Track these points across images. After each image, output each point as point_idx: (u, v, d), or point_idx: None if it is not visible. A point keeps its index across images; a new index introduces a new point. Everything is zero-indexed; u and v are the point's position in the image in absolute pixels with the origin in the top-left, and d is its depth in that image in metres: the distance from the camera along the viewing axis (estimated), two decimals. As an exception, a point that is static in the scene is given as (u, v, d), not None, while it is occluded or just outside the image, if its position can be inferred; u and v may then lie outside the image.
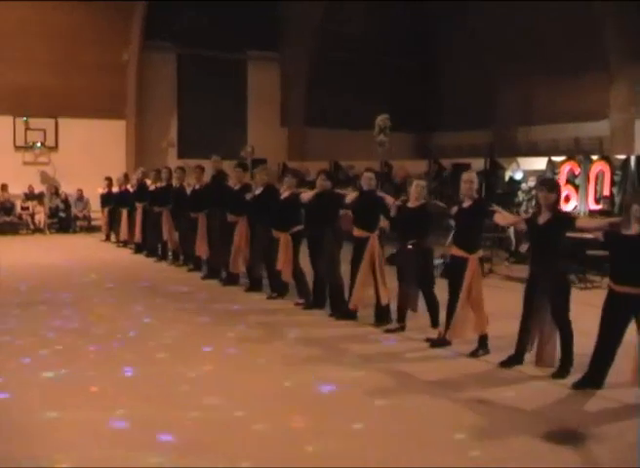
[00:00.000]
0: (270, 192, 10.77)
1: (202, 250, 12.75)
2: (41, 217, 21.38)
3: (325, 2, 25.48)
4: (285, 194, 10.37)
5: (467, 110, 25.31)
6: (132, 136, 23.67)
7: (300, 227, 10.25)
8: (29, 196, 21.74)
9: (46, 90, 21.99)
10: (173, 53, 24.78)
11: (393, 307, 8.79)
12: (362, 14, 26.29)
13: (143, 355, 7.55)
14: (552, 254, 6.88)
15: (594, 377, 6.42)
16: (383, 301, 8.82)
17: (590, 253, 12.14)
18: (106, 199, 18.62)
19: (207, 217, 12.65)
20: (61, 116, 22.71)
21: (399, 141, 22.86)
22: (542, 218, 6.93)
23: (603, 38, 20.97)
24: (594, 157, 16.14)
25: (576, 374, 6.67)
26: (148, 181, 15.67)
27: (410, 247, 8.31)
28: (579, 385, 6.45)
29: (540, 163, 17.20)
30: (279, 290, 10.74)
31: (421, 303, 8.53)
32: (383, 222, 9.28)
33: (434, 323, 8.33)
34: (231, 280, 11.88)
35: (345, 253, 9.58)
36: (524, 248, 15.11)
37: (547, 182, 7.74)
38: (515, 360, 7.14)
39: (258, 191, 11.03)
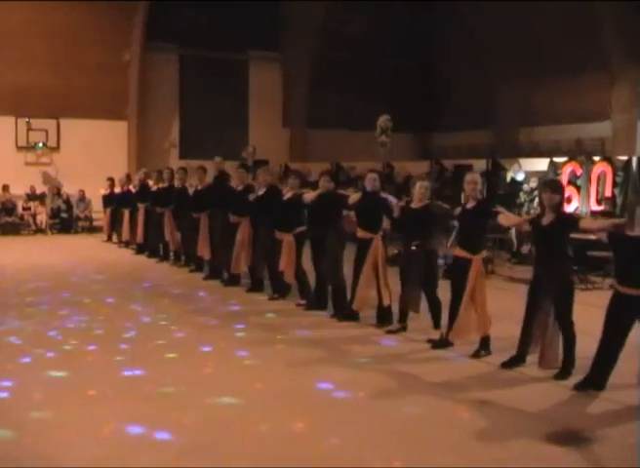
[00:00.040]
0: (273, 193, 10.76)
1: (204, 250, 12.75)
2: (43, 218, 21.38)
3: (327, 2, 25.47)
4: (288, 195, 10.36)
5: (469, 111, 25.30)
6: (133, 136, 23.70)
7: (302, 228, 10.23)
8: (31, 196, 21.76)
9: (48, 90, 22.02)
10: (175, 53, 24.81)
11: (395, 308, 8.77)
12: (364, 14, 26.27)
13: (144, 355, 7.54)
14: (556, 256, 6.86)
15: (596, 379, 6.41)
16: (385, 302, 8.81)
17: (592, 253, 12.17)
18: (109, 199, 18.63)
19: (209, 218, 12.65)
20: (63, 116, 22.74)
21: (400, 142, 22.91)
22: (546, 219, 6.92)
23: (604, 38, 20.94)
24: (596, 158, 16.11)
25: (577, 376, 6.67)
26: (150, 182, 15.68)
27: (414, 248, 8.29)
28: (580, 386, 6.44)
29: (541, 164, 17.17)
30: (281, 290, 10.74)
31: (423, 304, 8.52)
32: (385, 223, 9.27)
33: (436, 324, 8.31)
34: (233, 280, 11.88)
35: (347, 254, 9.58)
36: (526, 249, 15.12)
37: (551, 183, 7.73)
38: (517, 360, 7.13)
39: (260, 192, 11.02)
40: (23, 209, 21.49)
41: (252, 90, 26.18)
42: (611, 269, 12.49)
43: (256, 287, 11.32)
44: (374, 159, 19.34)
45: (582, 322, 6.92)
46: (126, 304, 10.35)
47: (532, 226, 7.21)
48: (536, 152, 21.96)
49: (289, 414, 5.80)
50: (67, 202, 22.08)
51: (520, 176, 17.50)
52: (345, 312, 9.22)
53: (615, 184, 15.11)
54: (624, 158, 15.49)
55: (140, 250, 16.13)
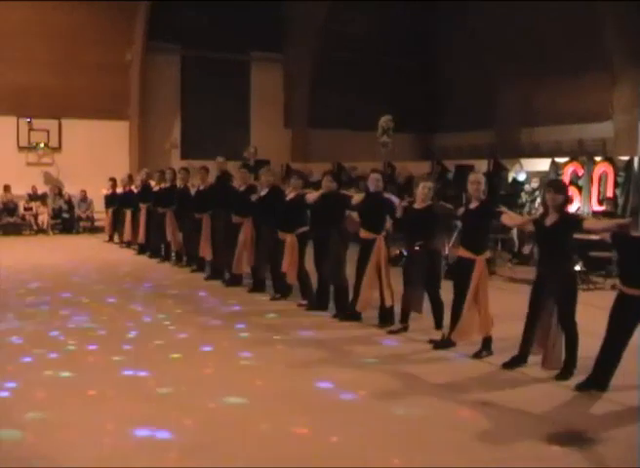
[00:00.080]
0: (276, 193, 10.75)
1: (206, 251, 12.74)
2: (44, 218, 21.40)
3: (328, 2, 25.48)
4: (290, 195, 10.35)
5: (470, 111, 25.30)
6: (135, 136, 23.72)
7: (305, 228, 10.21)
8: (33, 197, 21.78)
9: (49, 90, 22.05)
10: (176, 54, 24.83)
11: (397, 309, 8.77)
12: (365, 14, 26.29)
13: (145, 355, 7.54)
14: (560, 256, 6.85)
15: (599, 379, 6.39)
16: (388, 303, 8.80)
17: (593, 254, 12.16)
18: (110, 200, 18.64)
19: (211, 218, 12.65)
20: (65, 117, 22.77)
21: (402, 142, 22.93)
22: (550, 220, 6.90)
23: (606, 39, 20.95)
24: (597, 158, 16.13)
25: (579, 376, 6.66)
26: (152, 182, 15.68)
27: (417, 248, 8.28)
28: (582, 387, 6.42)
29: (543, 164, 17.19)
30: (282, 291, 10.74)
31: (425, 305, 8.51)
32: (387, 223, 9.27)
33: (438, 325, 8.30)
34: (234, 281, 11.88)
35: (350, 254, 9.57)
36: (527, 249, 15.12)
37: (555, 183, 7.72)
38: (518, 361, 7.12)
39: (263, 192, 11.01)
40: (25, 209, 21.50)
41: (253, 90, 26.21)
42: (613, 269, 12.56)
43: (257, 287, 11.32)
44: (375, 159, 19.36)
45: (584, 322, 6.91)
46: (127, 304, 10.35)
47: (535, 226, 7.19)
48: (537, 152, 21.97)
49: (290, 415, 5.80)
50: (69, 202, 22.09)
51: (521, 177, 17.51)
52: (348, 312, 9.22)
53: (616, 185, 15.13)
54: (626, 158, 15.50)
55: (141, 250, 16.13)
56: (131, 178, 17.75)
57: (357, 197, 9.38)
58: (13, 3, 21.35)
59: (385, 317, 8.90)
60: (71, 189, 22.22)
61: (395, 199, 8.91)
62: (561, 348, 6.86)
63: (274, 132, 26.04)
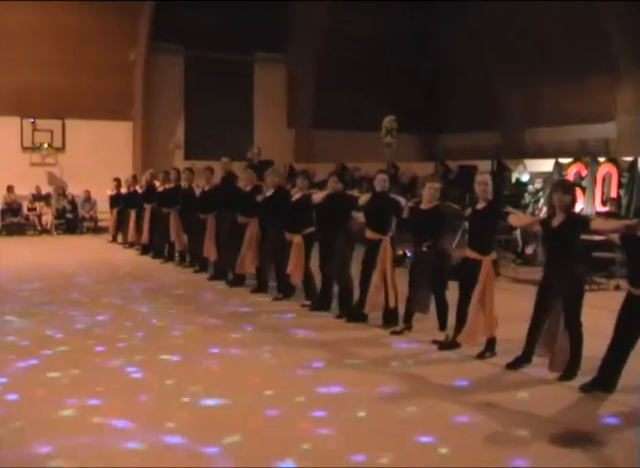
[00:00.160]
0: (281, 194, 10.75)
1: (210, 251, 12.74)
2: (48, 218, 21.41)
3: (332, 2, 25.50)
4: (296, 196, 10.35)
5: (474, 112, 25.32)
6: (139, 137, 23.75)
7: (311, 229, 10.20)
8: (36, 197, 21.79)
9: (53, 90, 22.09)
10: (180, 54, 24.87)
11: (400, 309, 8.76)
12: (369, 14, 26.30)
13: (149, 356, 7.55)
14: (567, 257, 6.83)
15: (606, 380, 6.37)
16: (392, 304, 8.79)
17: (597, 255, 12.15)
18: (115, 200, 18.66)
19: (216, 219, 12.65)
20: (69, 117, 22.81)
21: (405, 143, 22.93)
22: (557, 220, 6.88)
23: (609, 40, 20.97)
24: (601, 159, 16.11)
25: (581, 377, 6.66)
26: (157, 183, 15.69)
27: (425, 248, 8.26)
28: (587, 388, 6.41)
29: (546, 165, 17.17)
30: (286, 291, 10.74)
31: (431, 305, 8.49)
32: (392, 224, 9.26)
33: (442, 325, 8.25)
34: (238, 281, 11.89)
35: (355, 255, 9.58)
36: (530, 249, 15.11)
37: (562, 184, 7.69)
38: (522, 361, 7.11)
39: (269, 193, 11.01)
40: (29, 209, 21.51)
41: (257, 90, 26.24)
42: (616, 270, 12.56)
43: (261, 288, 11.33)
44: (379, 160, 19.36)
45: (588, 323, 6.89)
46: (130, 304, 10.36)
47: (542, 227, 7.18)
48: (541, 153, 21.98)
49: (293, 415, 5.81)
50: (72, 202, 22.10)
51: (525, 177, 17.51)
52: (355, 314, 9.20)
53: (620, 185, 15.12)
54: (629, 159, 15.49)
55: (144, 250, 16.14)
56: (135, 179, 17.77)
57: (364, 198, 9.37)
58: (18, 3, 21.39)
59: (389, 318, 8.90)
60: (75, 189, 22.24)
61: (402, 199, 8.91)
62: (567, 351, 6.84)
63: (277, 132, 26.06)
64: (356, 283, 9.28)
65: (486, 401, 6.20)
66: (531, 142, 23.96)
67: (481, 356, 7.55)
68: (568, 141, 22.42)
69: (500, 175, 18.01)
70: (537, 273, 11.24)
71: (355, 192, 10.96)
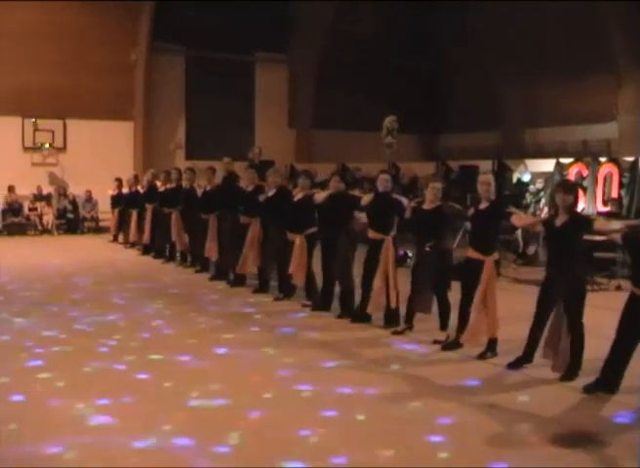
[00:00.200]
0: (283, 194, 10.75)
1: (212, 251, 12.73)
2: (49, 218, 21.42)
3: (334, 2, 25.51)
4: (298, 196, 10.34)
5: (474, 112, 25.31)
6: (140, 137, 23.75)
7: (314, 229, 10.18)
8: (37, 197, 21.80)
9: (54, 90, 22.09)
10: (181, 54, 24.87)
11: (402, 309, 8.76)
12: (370, 14, 26.32)
13: (150, 356, 7.54)
14: (569, 257, 6.81)
15: (609, 380, 6.35)
16: (393, 304, 8.79)
17: (598, 255, 12.15)
18: (116, 200, 18.68)
19: (218, 219, 12.64)
20: (70, 117, 22.81)
21: (406, 143, 22.94)
22: (560, 220, 6.87)
23: (610, 40, 20.97)
24: (602, 159, 16.12)
25: (583, 377, 6.66)
26: (158, 183, 15.69)
27: (428, 249, 8.25)
28: (591, 388, 6.39)
29: (547, 165, 17.18)
30: (287, 291, 10.74)
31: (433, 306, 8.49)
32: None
33: (443, 326, 8.23)
34: (239, 281, 11.89)
35: (357, 255, 9.58)
36: (531, 250, 15.11)
37: (565, 184, 7.67)
38: (524, 361, 7.11)
39: (271, 193, 11.01)
40: (30, 209, 21.53)
41: (258, 91, 26.24)
42: (617, 270, 12.55)
43: (262, 288, 11.33)
44: (380, 160, 19.36)
45: (589, 323, 6.89)
46: (131, 305, 10.35)
47: (545, 227, 7.17)
48: (542, 153, 21.98)
49: (293, 415, 5.81)
50: (73, 202, 22.12)
51: (526, 177, 17.51)
52: (359, 314, 9.19)
53: (621, 185, 15.13)
54: (631, 159, 15.49)
55: (146, 250, 16.14)
56: (137, 179, 17.77)
57: (366, 198, 9.36)
58: (19, 3, 21.39)
59: (391, 318, 8.89)
60: (76, 189, 22.25)
61: (404, 199, 8.90)
62: (568, 351, 6.83)
63: (279, 132, 26.07)
64: (358, 283, 9.28)
65: (487, 401, 6.20)
66: (532, 142, 23.95)
67: (482, 356, 7.54)
68: (569, 142, 22.42)
69: (501, 175, 18.01)
70: (538, 273, 11.29)
71: (356, 192, 10.97)
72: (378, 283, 8.78)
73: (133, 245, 17.18)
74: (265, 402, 6.14)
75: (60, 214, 21.84)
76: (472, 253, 7.69)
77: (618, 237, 6.69)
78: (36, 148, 22.58)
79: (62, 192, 22.26)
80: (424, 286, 8.31)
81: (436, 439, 5.35)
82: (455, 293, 8.00)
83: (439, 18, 27.09)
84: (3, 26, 21.51)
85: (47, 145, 22.63)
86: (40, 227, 21.35)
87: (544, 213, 15.08)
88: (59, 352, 7.68)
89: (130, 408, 5.96)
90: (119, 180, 18.66)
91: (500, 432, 5.53)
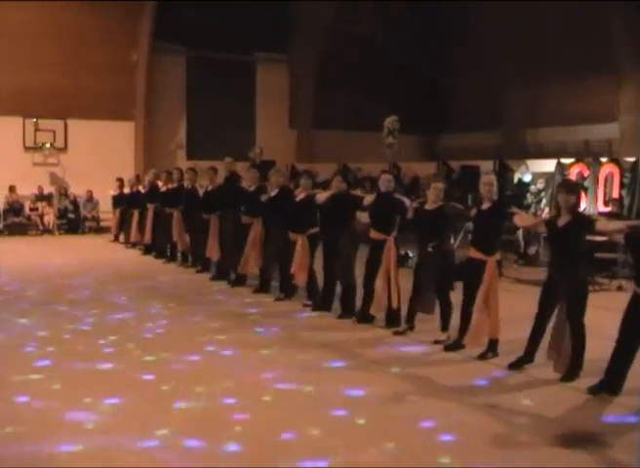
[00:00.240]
0: (285, 194, 10.74)
1: (213, 251, 12.73)
2: (50, 218, 21.44)
3: (334, 2, 25.51)
4: (300, 196, 10.33)
5: (476, 112, 25.30)
6: (141, 137, 23.77)
7: (316, 229, 10.17)
8: (38, 197, 21.82)
9: (55, 91, 22.10)
10: (182, 54, 24.88)
11: (403, 309, 8.75)
12: (370, 14, 26.32)
13: (152, 356, 7.54)
14: (571, 258, 6.81)
15: (612, 381, 6.34)
16: (395, 305, 8.78)
17: (599, 255, 12.15)
18: (118, 200, 18.69)
19: (219, 219, 12.64)
20: (71, 117, 22.83)
21: (407, 143, 22.90)
22: (562, 221, 6.86)
23: (611, 40, 20.95)
24: (603, 159, 16.12)
25: (584, 378, 6.66)
26: (160, 183, 15.70)
27: (430, 249, 8.24)
28: (595, 390, 6.37)
29: (548, 165, 17.17)
30: (288, 291, 10.74)
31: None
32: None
33: (444, 326, 8.21)
34: (239, 281, 11.89)
35: (359, 255, 9.58)
36: (533, 250, 15.11)
37: (567, 184, 7.65)
38: (525, 361, 7.10)
39: (273, 193, 11.01)
40: (31, 209, 21.55)
41: (259, 91, 26.25)
42: (618, 271, 12.55)
43: (263, 288, 11.33)
44: (381, 160, 19.35)
45: (590, 324, 6.89)
46: (132, 305, 10.36)
47: (547, 227, 7.17)
48: (543, 153, 21.97)
49: (296, 416, 5.81)
50: (74, 202, 22.14)
51: (527, 178, 17.51)
52: (361, 315, 9.19)
53: (622, 186, 15.13)
54: (632, 159, 15.49)
55: (147, 250, 16.15)
56: (138, 179, 17.78)
57: (369, 198, 9.35)
58: (21, 3, 21.40)
59: (392, 318, 8.88)
60: (77, 189, 22.27)
61: (406, 200, 8.89)
62: (570, 352, 6.82)
63: (279, 132, 26.07)
64: (359, 283, 9.28)
65: (488, 401, 6.20)
66: (533, 142, 23.94)
67: (483, 356, 7.54)
68: (570, 142, 22.42)
69: (503, 175, 18.00)
70: (539, 274, 11.30)
71: (358, 192, 10.96)
72: (380, 283, 8.77)
73: (134, 245, 17.19)
74: (266, 402, 6.14)
75: (61, 214, 21.86)
76: (474, 254, 7.69)
77: (620, 237, 6.68)
78: (37, 148, 22.60)
79: (63, 192, 22.28)
80: (427, 286, 8.29)
81: (437, 439, 5.35)
82: (457, 294, 7.99)
83: (439, 18, 27.08)
84: (4, 26, 21.52)
85: (48, 145, 22.64)
86: (41, 227, 21.37)
87: (545, 213, 15.08)
88: (59, 352, 7.67)
89: (130, 408, 5.96)
90: (120, 180, 18.68)
91: (501, 432, 5.53)
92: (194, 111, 25.05)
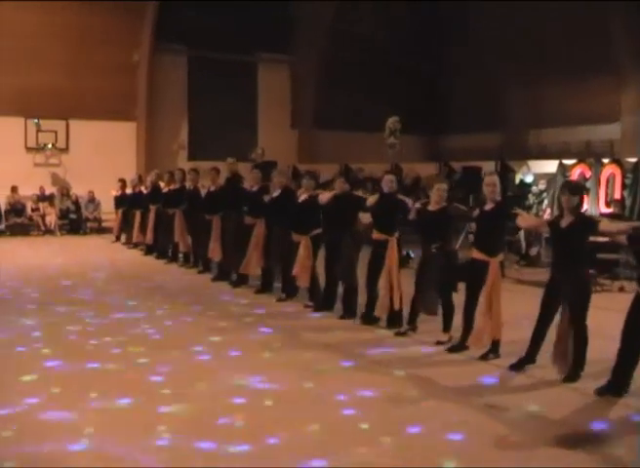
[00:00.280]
0: (288, 195, 10.73)
1: (215, 252, 12.72)
2: (52, 219, 21.45)
3: (336, 2, 25.51)
4: (303, 196, 10.31)
5: (477, 113, 25.31)
6: (142, 137, 23.79)
7: (319, 230, 10.12)
8: (40, 197, 21.82)
9: (57, 91, 22.12)
10: (183, 55, 24.90)
11: (405, 310, 8.75)
12: (372, 14, 26.34)
13: (156, 357, 7.55)
14: (574, 259, 6.80)
15: (618, 382, 6.33)
16: (396, 306, 8.77)
17: (601, 256, 12.13)
18: (120, 201, 18.70)
19: (222, 220, 12.63)
20: (72, 118, 22.86)
21: (409, 144, 22.91)
22: (565, 222, 6.85)
23: (613, 41, 20.96)
24: (605, 160, 16.10)
25: (585, 378, 6.67)
26: (162, 183, 15.70)
27: (434, 250, 8.23)
28: (603, 391, 6.35)
29: (550, 166, 17.17)
30: (290, 292, 10.74)
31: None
32: (365, 218, 9.25)
33: (446, 327, 8.20)
34: (241, 281, 11.89)
35: (361, 256, 9.57)
36: (534, 251, 15.10)
37: (570, 185, 7.64)
38: (526, 362, 7.10)
39: (275, 193, 11.00)
40: (32, 210, 21.55)
41: (260, 91, 26.27)
42: (620, 272, 12.53)
43: (265, 288, 11.33)
44: (382, 161, 19.34)
45: (592, 324, 6.88)
46: (132, 305, 10.36)
47: (550, 228, 7.16)
48: (544, 154, 21.98)
49: (297, 416, 5.81)
50: (76, 203, 22.14)
51: (529, 178, 17.50)
52: (366, 317, 9.17)
53: (624, 186, 15.11)
54: (634, 160, 15.47)
55: (148, 251, 16.16)
56: (140, 179, 17.79)
57: (372, 199, 9.34)
58: (22, 3, 21.42)
59: (394, 319, 8.87)
60: (79, 190, 22.28)
61: (409, 200, 8.88)
62: (572, 353, 6.82)
63: (281, 133, 26.08)
64: (361, 283, 9.27)
65: (490, 402, 6.20)
66: (534, 143, 23.95)
67: (485, 357, 7.53)
68: (572, 142, 22.42)
69: (504, 176, 17.99)
70: (540, 274, 11.29)
71: (359, 193, 10.95)
72: (383, 284, 8.77)
73: (135, 245, 17.20)
74: (268, 402, 6.13)
75: (63, 215, 21.87)
76: (477, 255, 7.68)
77: (623, 238, 6.67)
78: (39, 149, 22.62)
79: (65, 192, 22.29)
80: (430, 287, 8.27)
81: (439, 439, 5.35)
82: (459, 295, 7.98)
83: (439, 18, 27.07)
84: (6, 27, 21.55)
85: (50, 146, 22.66)
86: (43, 228, 21.37)
87: (547, 214, 15.07)
88: (60, 352, 7.66)
89: (131, 408, 5.97)
90: (123, 181, 18.68)
91: (502, 433, 5.53)
92: (196, 112, 25.07)
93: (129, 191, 18.16)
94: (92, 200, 21.97)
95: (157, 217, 15.52)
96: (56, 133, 22.74)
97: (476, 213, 7.93)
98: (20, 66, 21.69)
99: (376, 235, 9.00)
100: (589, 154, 19.30)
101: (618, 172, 15.27)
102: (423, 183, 18.99)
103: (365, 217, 9.38)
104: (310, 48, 26.09)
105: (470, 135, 25.64)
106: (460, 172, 20.32)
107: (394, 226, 8.96)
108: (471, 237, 11.14)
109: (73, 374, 6.90)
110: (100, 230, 21.71)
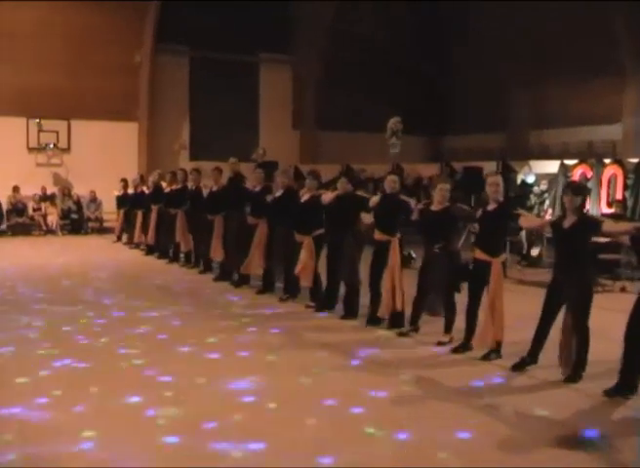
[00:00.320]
0: (290, 195, 10.72)
1: (217, 252, 12.72)
2: (53, 219, 21.45)
3: (336, 2, 25.52)
4: (305, 197, 10.31)
5: (478, 113, 25.30)
6: (144, 138, 23.80)
7: (321, 231, 10.10)
8: (42, 197, 21.83)
9: (59, 91, 22.14)
10: (185, 55, 24.92)
11: (407, 310, 8.74)
12: (373, 14, 26.34)
13: (155, 357, 7.56)
14: (577, 259, 6.79)
15: (627, 383, 6.33)
16: (398, 307, 8.77)
17: (602, 256, 12.13)
18: (122, 201, 18.69)
19: (224, 220, 12.63)
20: (74, 118, 22.87)
21: (411, 144, 22.88)
22: (568, 222, 6.84)
23: (616, 41, 20.94)
24: (607, 160, 16.10)
25: (586, 378, 6.67)
26: (164, 183, 15.70)
27: (437, 250, 8.22)
28: (612, 393, 6.33)
29: (552, 166, 17.17)
30: (291, 292, 10.73)
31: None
32: (367, 218, 9.25)
33: (447, 328, 8.19)
34: (242, 281, 11.89)
35: (363, 256, 9.57)
36: (536, 251, 15.09)
37: (573, 185, 7.63)
38: (528, 362, 7.10)
39: (278, 193, 11.00)
40: (34, 210, 21.55)
41: (262, 91, 26.28)
42: (622, 272, 12.53)
43: (266, 288, 11.33)
44: (384, 161, 19.33)
45: (594, 325, 6.87)
46: (133, 305, 10.35)
47: (553, 229, 7.15)
48: (546, 154, 21.98)
49: (298, 416, 5.81)
50: (78, 203, 22.15)
51: (530, 179, 17.49)
52: (370, 318, 9.17)
53: (625, 187, 15.12)
54: (635, 160, 15.48)
55: (150, 251, 16.16)
56: (142, 179, 17.78)
57: (374, 199, 9.34)
58: (24, 3, 21.44)
59: (396, 320, 8.86)
60: (80, 190, 22.29)
61: (411, 201, 8.88)
62: (573, 353, 6.82)
63: (283, 133, 26.08)
64: (364, 283, 9.27)
65: (491, 402, 6.20)
66: (536, 144, 23.95)
67: (486, 358, 7.52)
68: (574, 143, 22.41)
69: (506, 176, 17.97)
70: (542, 275, 11.30)
71: (361, 193, 10.93)
72: (386, 286, 8.76)
73: (137, 245, 17.20)
74: (269, 402, 6.13)
75: (65, 215, 21.87)
76: (480, 255, 7.67)
77: (626, 239, 6.66)
78: (41, 149, 22.64)
79: (67, 192, 22.29)
80: (433, 288, 8.27)
81: (440, 440, 5.35)
82: (461, 295, 7.98)
83: (439, 18, 27.06)
84: (7, 27, 21.57)
85: (51, 146, 22.67)
86: (44, 228, 21.37)
87: (548, 214, 15.07)
88: (61, 352, 7.66)
89: (133, 408, 5.97)
90: (125, 181, 18.68)
91: (503, 433, 5.53)
92: (197, 112, 25.08)
93: (131, 191, 18.15)
94: (93, 200, 21.97)
95: (159, 217, 15.52)
96: (57, 133, 22.76)
97: (478, 213, 7.92)
98: (21, 66, 21.71)
99: (378, 236, 8.99)
100: (591, 155, 19.30)
101: (619, 172, 15.28)
102: (425, 183, 18.98)
103: (366, 217, 9.37)
104: (310, 48, 26.09)
105: (472, 135, 25.64)
106: (462, 172, 20.29)
107: (396, 227, 8.95)
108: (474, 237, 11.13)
109: (74, 374, 6.91)
110: (102, 230, 21.70)
